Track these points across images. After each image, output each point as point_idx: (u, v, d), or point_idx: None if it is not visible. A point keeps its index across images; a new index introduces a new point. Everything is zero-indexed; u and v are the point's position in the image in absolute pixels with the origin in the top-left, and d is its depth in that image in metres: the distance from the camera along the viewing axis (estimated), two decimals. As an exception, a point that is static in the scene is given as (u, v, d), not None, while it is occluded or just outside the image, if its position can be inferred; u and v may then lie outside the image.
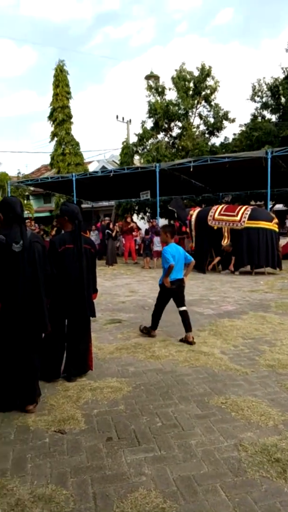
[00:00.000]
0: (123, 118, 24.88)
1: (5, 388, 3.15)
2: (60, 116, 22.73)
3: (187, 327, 4.97)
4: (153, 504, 2.05)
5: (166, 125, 21.12)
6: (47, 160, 26.45)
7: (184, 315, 5.04)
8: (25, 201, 28.05)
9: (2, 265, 3.03)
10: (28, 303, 3.08)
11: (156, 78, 20.58)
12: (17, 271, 3.05)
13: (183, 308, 5.09)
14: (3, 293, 3.05)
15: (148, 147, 20.83)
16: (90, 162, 29.02)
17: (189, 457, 2.46)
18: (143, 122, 20.92)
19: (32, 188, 26.81)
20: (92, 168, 27.21)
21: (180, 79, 20.12)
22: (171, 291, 5.07)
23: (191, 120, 21.29)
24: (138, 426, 2.85)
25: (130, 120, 24.73)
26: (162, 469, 2.35)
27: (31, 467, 2.40)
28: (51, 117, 23.21)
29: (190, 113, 20.98)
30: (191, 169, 14.42)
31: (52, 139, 23.31)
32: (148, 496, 2.11)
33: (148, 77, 20.45)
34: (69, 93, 23.17)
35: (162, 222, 18.67)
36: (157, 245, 13.86)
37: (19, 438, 2.74)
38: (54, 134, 23.15)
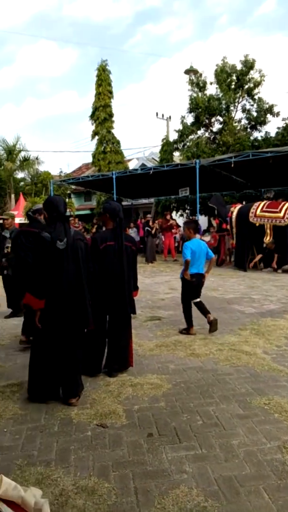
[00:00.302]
0: (162, 115, 24.80)
1: (48, 381, 3.24)
2: (102, 115, 23.01)
3: (205, 312, 5.24)
4: (194, 502, 2.05)
5: (207, 120, 20.83)
6: (87, 159, 26.93)
7: (199, 305, 5.31)
8: (67, 200, 28.70)
9: (47, 262, 3.13)
10: (71, 299, 3.15)
11: (195, 72, 20.33)
12: (61, 268, 3.13)
13: (198, 300, 5.34)
14: (48, 289, 3.14)
15: (188, 144, 20.65)
16: (129, 160, 29.19)
17: (231, 457, 2.43)
18: (183, 118, 20.74)
19: (73, 187, 27.36)
20: (132, 166, 27.37)
21: (222, 72, 19.76)
22: (192, 284, 5.23)
23: (233, 115, 20.88)
24: (178, 423, 2.85)
25: (170, 117, 24.61)
26: (203, 467, 2.33)
27: (74, 459, 2.46)
28: (93, 116, 23.54)
29: (232, 108, 20.56)
30: (232, 165, 14.14)
31: (93, 137, 23.65)
32: (190, 494, 2.11)
33: (187, 72, 20.23)
34: (111, 92, 23.40)
35: (202, 219, 18.50)
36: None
37: (62, 430, 2.82)
38: (95, 133, 23.46)
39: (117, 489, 2.17)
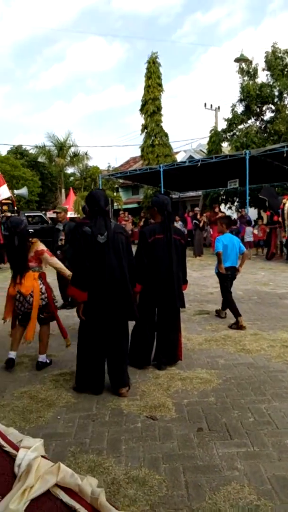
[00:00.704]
0: (211, 106, 24.34)
1: (95, 372, 3.32)
2: (151, 108, 23.00)
3: (224, 305, 5.54)
4: (246, 500, 2.01)
5: (258, 109, 20.15)
6: (135, 153, 27.07)
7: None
8: (115, 193, 29.10)
9: (88, 256, 3.19)
10: (113, 292, 3.20)
11: (246, 60, 19.69)
12: (102, 261, 3.18)
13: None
14: (90, 282, 3.21)
15: (237, 134, 20.11)
16: (177, 153, 28.99)
17: (284, 457, 2.36)
18: (233, 106, 20.21)
19: (121, 181, 27.70)
20: (179, 158, 27.19)
21: (274, 58, 19.00)
22: (227, 277, 5.39)
23: (286, 102, 20.03)
24: (229, 419, 2.81)
25: (218, 107, 24.11)
26: (255, 465, 2.28)
27: (125, 449, 2.50)
28: (142, 109, 23.58)
29: (285, 94, 19.72)
30: (285, 155, 13.61)
31: (142, 131, 23.70)
32: (242, 492, 2.07)
33: (238, 60, 19.64)
34: (160, 84, 23.30)
35: (251, 211, 18.02)
36: (249, 236, 13.41)
37: (113, 420, 2.88)
38: (145, 127, 23.49)
39: (168, 482, 2.18)
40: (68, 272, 3.86)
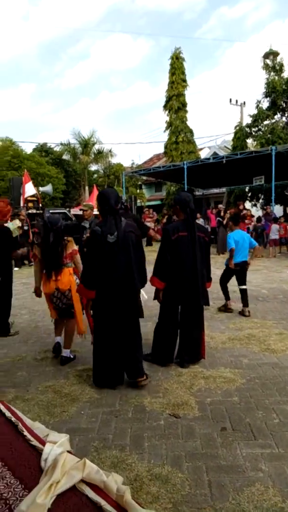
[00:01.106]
0: (236, 101, 24.02)
1: (110, 367, 3.36)
2: (175, 104, 22.82)
3: (245, 302, 5.77)
4: (271, 502, 1.98)
5: (284, 104, 19.74)
6: (159, 150, 26.96)
7: (244, 293, 5.83)
8: (138, 190, 29.13)
9: (98, 255, 3.21)
10: (121, 290, 3.23)
11: (275, 54, 19.28)
12: (112, 261, 3.21)
13: (244, 287, 5.86)
14: (99, 281, 3.24)
15: (262, 130, 19.75)
16: (201, 149, 28.73)
17: (310, 460, 2.31)
18: (258, 102, 19.86)
19: (144, 178, 27.70)
20: (203, 155, 26.92)
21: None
22: (235, 271, 5.87)
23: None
24: (253, 420, 2.77)
25: (244, 103, 23.77)
26: (280, 467, 2.25)
27: (148, 446, 2.51)
28: (166, 106, 23.44)
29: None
30: (312, 151, 13.31)
31: (167, 128, 23.56)
32: (266, 493, 2.04)
33: (267, 55, 19.26)
34: (184, 80, 23.07)
35: (277, 208, 17.69)
36: (274, 233, 13.18)
37: (136, 417, 2.88)
38: (169, 124, 23.34)
39: (191, 480, 2.17)
40: None
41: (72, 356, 4.12)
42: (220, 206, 16.23)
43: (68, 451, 1.12)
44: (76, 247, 4.12)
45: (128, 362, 3.38)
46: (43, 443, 1.18)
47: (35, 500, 0.96)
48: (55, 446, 1.12)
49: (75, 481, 1.01)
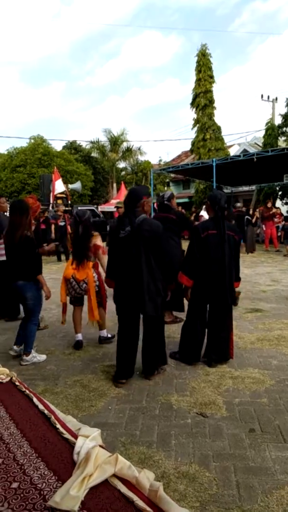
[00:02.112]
0: (268, 97, 23.51)
1: (127, 360, 3.47)
2: (203, 101, 22.56)
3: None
4: (301, 507, 1.94)
5: None
6: (187, 147, 26.76)
7: None
8: (165, 188, 29.03)
9: (113, 248, 3.44)
10: (131, 284, 3.32)
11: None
12: (123, 254, 3.36)
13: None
14: (116, 273, 3.46)
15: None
16: (230, 146, 28.33)
17: None
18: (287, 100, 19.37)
19: (172, 175, 27.57)
20: (233, 152, 26.57)
21: None
22: None
23: None
24: (283, 422, 2.72)
25: (276, 99, 23.21)
26: (310, 472, 2.20)
27: (175, 444, 2.51)
28: (193, 103, 23.24)
29: None
30: None
31: (195, 125, 23.36)
32: (295, 498, 2.00)
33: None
34: (212, 77, 22.76)
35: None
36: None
37: (163, 414, 2.89)
38: (197, 121, 23.13)
39: (218, 480, 2.15)
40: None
41: (110, 335, 4.50)
42: (238, 204, 15.75)
43: (100, 446, 1.14)
44: (100, 243, 4.34)
45: (142, 358, 3.54)
46: (75, 437, 1.20)
47: (69, 492, 0.98)
48: (88, 440, 1.14)
49: (107, 475, 1.02)
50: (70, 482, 1.00)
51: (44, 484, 1.03)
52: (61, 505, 0.90)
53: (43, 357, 4.06)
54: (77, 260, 4.22)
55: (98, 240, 4.34)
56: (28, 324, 4.04)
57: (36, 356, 4.02)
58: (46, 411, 1.32)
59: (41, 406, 1.33)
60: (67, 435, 1.18)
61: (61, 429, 1.19)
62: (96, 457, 1.05)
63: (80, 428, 1.21)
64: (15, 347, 4.17)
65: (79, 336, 4.41)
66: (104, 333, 4.48)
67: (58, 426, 1.23)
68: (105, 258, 4.19)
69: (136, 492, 1.00)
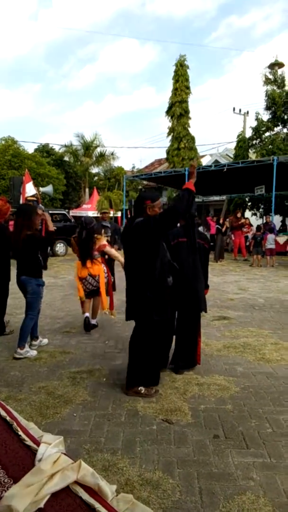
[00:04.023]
0: (240, 110, 24.17)
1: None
2: (178, 110, 22.88)
3: None
4: (261, 511, 1.98)
5: (286, 116, 19.85)
6: (161, 155, 26.97)
7: None
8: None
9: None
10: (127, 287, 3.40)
11: (281, 65, 19.37)
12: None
13: None
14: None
15: (263, 141, 19.84)
16: (203, 156, 28.81)
17: (302, 471, 2.30)
18: (257, 114, 20.00)
19: (145, 182, 27.72)
20: (204, 162, 27.01)
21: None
22: None
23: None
24: (246, 428, 2.77)
25: (247, 112, 23.88)
26: (272, 477, 2.24)
27: (140, 451, 2.50)
28: (169, 111, 23.52)
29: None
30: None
31: (169, 134, 23.62)
32: (256, 502, 2.04)
33: (272, 66, 19.33)
34: (188, 87, 23.15)
35: (276, 218, 17.74)
36: (270, 243, 13.24)
37: (129, 421, 2.88)
38: (172, 129, 23.39)
39: (182, 487, 2.16)
40: (122, 260, 4.36)
41: (96, 324, 5.32)
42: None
43: (63, 453, 1.12)
44: (104, 243, 5.27)
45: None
46: (38, 444, 1.18)
47: (27, 494, 0.96)
48: (50, 447, 1.12)
49: (69, 481, 1.01)
50: (26, 481, 0.97)
51: (3, 492, 1.01)
52: (17, 506, 0.87)
53: (34, 352, 4.31)
54: (83, 259, 5.09)
55: (103, 241, 5.26)
56: (25, 318, 4.30)
57: (29, 351, 4.27)
58: (8, 418, 1.29)
59: (2, 412, 1.30)
60: (29, 442, 1.16)
61: (23, 436, 1.17)
62: (57, 463, 1.03)
63: (43, 435, 1.19)
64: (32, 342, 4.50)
65: (87, 314, 5.21)
66: (94, 321, 5.30)
67: (20, 432, 1.21)
68: (113, 251, 5.37)
69: (99, 499, 0.99)
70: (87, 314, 5.22)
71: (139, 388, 3.32)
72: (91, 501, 0.98)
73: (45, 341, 4.67)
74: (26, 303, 4.30)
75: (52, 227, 4.32)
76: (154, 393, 3.30)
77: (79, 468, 1.03)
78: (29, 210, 4.39)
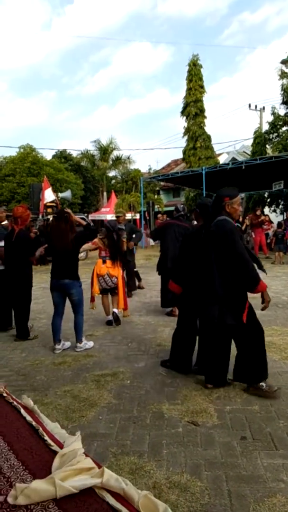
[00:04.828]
0: (255, 106, 23.90)
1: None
2: (193, 110, 22.79)
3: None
4: (293, 515, 1.93)
5: (302, 110, 19.49)
6: (177, 155, 26.90)
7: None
8: (156, 196, 29.14)
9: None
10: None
11: (293, 61, 19.05)
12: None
13: None
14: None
15: (280, 136, 19.52)
16: (220, 155, 28.59)
17: None
18: (273, 108, 19.69)
19: (162, 183, 27.69)
20: (222, 160, 26.80)
21: None
22: None
23: None
24: (274, 429, 2.71)
25: (263, 108, 23.61)
26: (302, 479, 2.19)
27: (166, 454, 2.48)
28: (184, 112, 23.46)
29: None
30: None
31: (185, 134, 23.55)
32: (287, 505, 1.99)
33: (285, 61, 19.05)
34: (202, 86, 23.05)
35: (297, 214, 17.39)
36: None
37: (154, 423, 2.86)
38: (187, 129, 23.32)
39: (210, 490, 2.13)
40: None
41: (118, 316, 5.66)
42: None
43: (85, 454, 1.12)
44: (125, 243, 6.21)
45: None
46: (62, 447, 1.18)
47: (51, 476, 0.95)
48: (69, 447, 1.12)
49: (93, 482, 1.00)
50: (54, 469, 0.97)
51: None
52: (37, 491, 0.87)
53: (91, 343, 4.71)
54: (112, 259, 5.54)
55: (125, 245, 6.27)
56: (76, 316, 4.66)
57: (87, 343, 4.67)
58: (34, 423, 1.30)
59: (28, 418, 1.31)
60: (55, 447, 1.16)
61: (49, 441, 1.17)
62: (82, 463, 1.03)
63: (65, 440, 1.19)
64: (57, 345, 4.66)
65: (110, 317, 5.66)
66: (117, 311, 5.65)
67: (46, 437, 1.21)
68: (124, 246, 6.31)
69: (125, 504, 0.98)
70: (110, 317, 5.67)
71: (260, 384, 3.26)
72: (118, 506, 0.98)
73: (68, 344, 4.72)
74: (73, 304, 4.65)
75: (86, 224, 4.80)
76: (275, 391, 3.22)
77: (102, 474, 1.03)
78: (68, 214, 4.64)
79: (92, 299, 5.72)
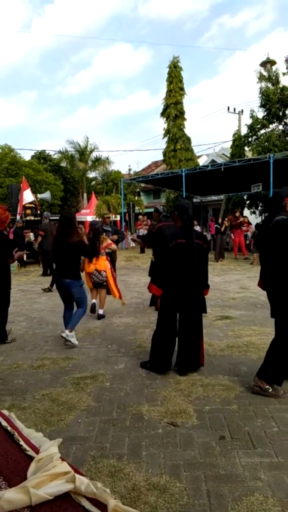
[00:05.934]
0: (234, 109, 24.19)
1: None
2: (173, 112, 22.91)
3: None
4: (270, 513, 1.95)
5: (280, 112, 19.86)
6: (156, 157, 26.99)
7: None
8: (136, 198, 29.17)
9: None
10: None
11: (272, 63, 19.40)
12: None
13: None
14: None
15: (258, 138, 19.83)
16: (199, 156, 28.83)
17: (310, 469, 2.28)
18: (252, 111, 20.00)
19: (142, 185, 27.75)
20: (201, 162, 27.02)
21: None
22: None
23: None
24: (252, 428, 2.75)
25: (242, 111, 23.88)
26: (279, 477, 2.22)
27: (146, 455, 2.48)
28: (164, 113, 23.55)
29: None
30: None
31: (165, 135, 23.65)
32: (265, 503, 2.02)
33: (264, 64, 19.37)
34: (182, 89, 23.19)
35: (275, 216, 17.69)
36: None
37: (134, 425, 2.85)
38: (167, 131, 23.43)
39: (189, 490, 2.14)
40: (115, 248, 6.82)
41: (104, 314, 6.10)
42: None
43: (62, 458, 1.11)
44: (109, 241, 6.32)
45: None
46: (38, 452, 1.16)
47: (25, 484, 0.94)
48: (45, 452, 1.11)
49: (68, 488, 0.99)
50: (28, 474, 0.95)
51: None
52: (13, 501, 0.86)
53: (76, 342, 4.74)
54: (94, 256, 5.86)
55: (108, 241, 6.29)
56: (78, 309, 4.94)
57: (74, 338, 4.73)
58: (9, 428, 1.28)
59: (3, 423, 1.28)
60: (30, 452, 1.14)
61: (25, 446, 1.15)
62: (57, 468, 1.02)
63: (41, 444, 1.18)
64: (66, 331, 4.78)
65: (94, 301, 6.23)
66: (102, 311, 6.13)
67: (22, 442, 1.19)
68: (114, 246, 6.61)
69: (100, 507, 0.97)
70: (94, 301, 6.24)
71: (267, 387, 3.25)
72: (94, 509, 0.97)
73: (74, 338, 4.82)
74: (76, 301, 4.94)
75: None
76: (282, 394, 3.21)
77: (74, 480, 1.02)
78: (72, 217, 5.01)
79: (91, 292, 6.26)
